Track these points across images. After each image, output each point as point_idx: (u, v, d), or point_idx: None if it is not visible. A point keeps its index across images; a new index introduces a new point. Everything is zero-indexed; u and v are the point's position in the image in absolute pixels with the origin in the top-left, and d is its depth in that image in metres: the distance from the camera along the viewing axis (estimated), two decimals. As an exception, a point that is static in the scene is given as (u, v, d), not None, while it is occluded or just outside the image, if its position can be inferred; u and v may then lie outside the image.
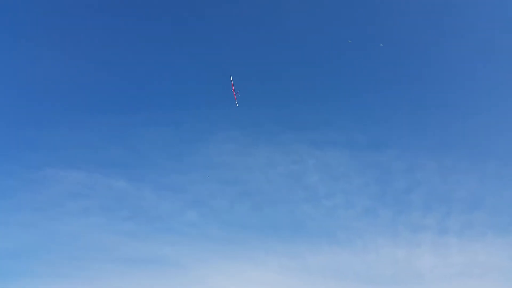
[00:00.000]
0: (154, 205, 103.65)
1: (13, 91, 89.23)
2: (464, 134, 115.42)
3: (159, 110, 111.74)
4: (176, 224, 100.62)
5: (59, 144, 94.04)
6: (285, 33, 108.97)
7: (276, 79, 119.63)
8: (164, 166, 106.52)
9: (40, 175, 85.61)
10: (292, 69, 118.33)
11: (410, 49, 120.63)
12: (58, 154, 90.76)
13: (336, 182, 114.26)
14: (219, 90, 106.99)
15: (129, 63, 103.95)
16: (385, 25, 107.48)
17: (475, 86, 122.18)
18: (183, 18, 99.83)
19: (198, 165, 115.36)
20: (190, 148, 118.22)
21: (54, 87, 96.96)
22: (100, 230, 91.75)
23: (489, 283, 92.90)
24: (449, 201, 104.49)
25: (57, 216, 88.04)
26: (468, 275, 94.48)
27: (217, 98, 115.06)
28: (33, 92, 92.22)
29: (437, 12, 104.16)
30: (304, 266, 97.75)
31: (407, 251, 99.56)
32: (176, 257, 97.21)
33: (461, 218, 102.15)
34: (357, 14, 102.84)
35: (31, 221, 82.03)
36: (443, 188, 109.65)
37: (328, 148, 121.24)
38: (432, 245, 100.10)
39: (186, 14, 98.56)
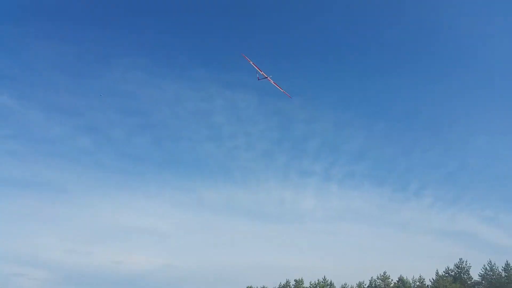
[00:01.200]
0: (43, 126, 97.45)
1: None
2: (361, 93, 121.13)
3: (58, 23, 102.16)
4: (66, 148, 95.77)
5: None
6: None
7: (195, 11, 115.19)
8: (58, 86, 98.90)
9: None
10: (215, 6, 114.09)
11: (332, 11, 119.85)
12: None
13: (241, 124, 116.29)
14: (130, 11, 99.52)
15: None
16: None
17: (377, 50, 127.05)
18: None
19: (98, 89, 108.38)
20: (91, 69, 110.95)
21: None
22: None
23: (360, 227, 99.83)
24: (337, 152, 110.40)
25: None
26: (343, 219, 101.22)
27: (128, 19, 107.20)
28: None
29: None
30: (198, 200, 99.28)
31: (294, 193, 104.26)
32: (62, 182, 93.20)
33: (345, 168, 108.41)
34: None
35: None
36: (334, 140, 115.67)
37: (238, 90, 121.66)
38: (316, 190, 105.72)
39: None
